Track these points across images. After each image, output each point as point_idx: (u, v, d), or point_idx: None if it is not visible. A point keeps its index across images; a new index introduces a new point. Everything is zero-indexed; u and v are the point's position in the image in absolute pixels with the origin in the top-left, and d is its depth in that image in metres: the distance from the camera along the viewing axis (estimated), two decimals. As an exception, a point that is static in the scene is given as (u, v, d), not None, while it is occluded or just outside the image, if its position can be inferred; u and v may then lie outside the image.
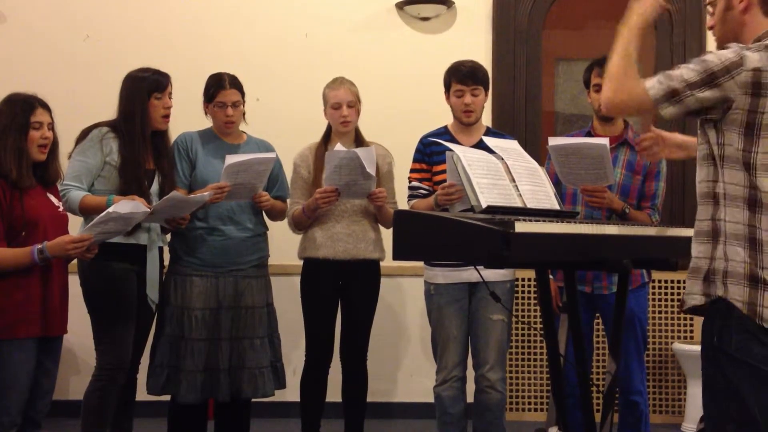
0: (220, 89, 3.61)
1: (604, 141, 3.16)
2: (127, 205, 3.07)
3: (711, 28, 2.21)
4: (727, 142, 2.02)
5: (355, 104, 3.73)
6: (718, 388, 2.02)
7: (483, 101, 3.58)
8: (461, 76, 3.50)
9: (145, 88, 3.45)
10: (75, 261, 3.28)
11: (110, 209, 3.02)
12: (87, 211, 3.34)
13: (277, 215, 3.80)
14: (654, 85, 2.05)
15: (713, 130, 2.05)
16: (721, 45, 2.16)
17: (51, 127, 3.20)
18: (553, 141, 3.20)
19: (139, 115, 3.44)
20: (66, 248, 3.02)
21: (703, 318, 2.10)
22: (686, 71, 2.03)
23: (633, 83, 2.09)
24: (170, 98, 3.53)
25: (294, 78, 4.89)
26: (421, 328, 4.75)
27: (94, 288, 3.41)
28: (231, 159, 3.43)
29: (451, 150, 2.73)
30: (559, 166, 3.22)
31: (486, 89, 3.58)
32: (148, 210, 3.18)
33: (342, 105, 3.68)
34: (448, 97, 3.58)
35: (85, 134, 3.45)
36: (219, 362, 3.56)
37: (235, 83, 3.65)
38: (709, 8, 2.21)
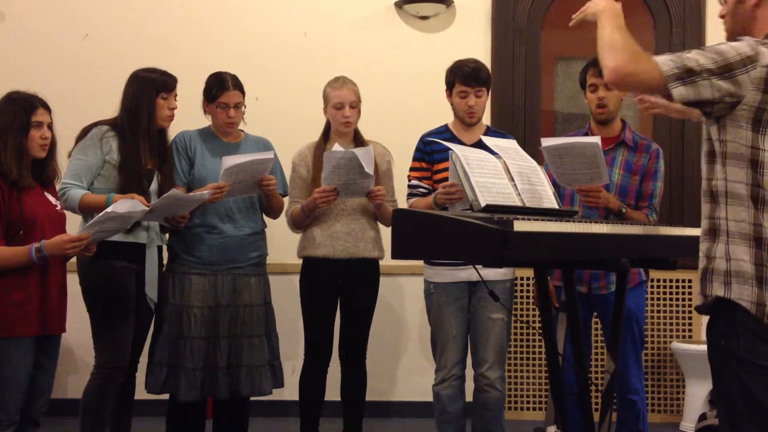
0: (223, 90, 3.61)
1: (596, 139, 3.16)
2: (125, 205, 3.07)
3: (722, 17, 2.18)
4: (731, 139, 1.99)
5: (356, 104, 3.73)
6: (732, 391, 1.99)
7: (485, 101, 3.59)
8: (465, 77, 3.49)
9: (153, 88, 3.45)
10: (74, 259, 3.29)
11: (109, 209, 3.01)
12: (87, 210, 3.34)
13: (274, 210, 3.80)
14: (665, 61, 1.96)
15: (715, 126, 2.01)
16: (731, 37, 2.13)
17: (50, 126, 3.20)
18: (546, 142, 3.20)
19: (146, 113, 3.44)
20: (64, 247, 3.02)
21: (706, 320, 2.08)
22: (701, 57, 1.95)
23: (641, 54, 1.99)
24: (175, 99, 3.54)
25: (293, 77, 4.89)
26: (420, 327, 4.76)
27: (93, 286, 3.41)
28: (228, 161, 3.43)
29: (451, 149, 2.73)
30: (554, 167, 3.22)
31: (488, 89, 3.59)
32: (147, 209, 3.18)
33: (345, 105, 3.68)
34: (449, 96, 3.58)
35: (85, 133, 3.45)
36: (217, 360, 3.56)
37: (237, 84, 3.65)
38: None
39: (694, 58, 1.95)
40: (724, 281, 1.99)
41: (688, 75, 1.94)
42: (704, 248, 2.05)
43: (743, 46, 1.97)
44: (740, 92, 1.95)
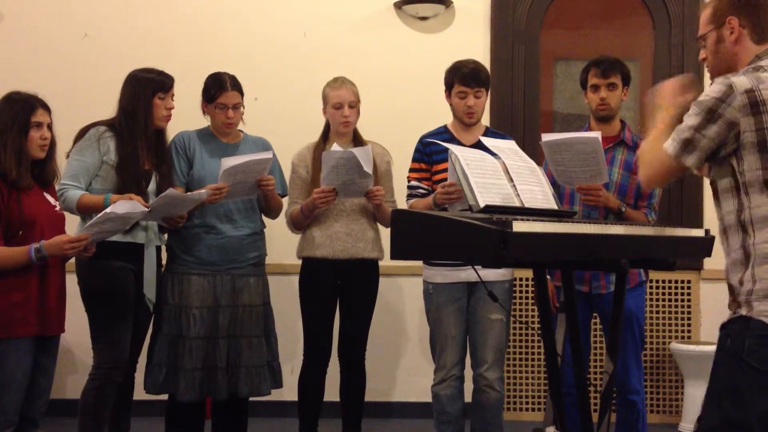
0: (222, 91, 3.60)
1: (596, 134, 3.16)
2: (124, 206, 3.07)
3: (704, 60, 2.28)
4: (747, 168, 2.08)
5: (356, 104, 3.73)
6: (723, 388, 2.04)
7: (484, 102, 3.59)
8: (464, 78, 3.49)
9: (150, 88, 3.45)
10: (73, 259, 3.28)
11: (108, 210, 3.01)
12: (85, 210, 3.34)
13: (273, 210, 3.80)
14: (669, 143, 2.15)
15: (735, 159, 2.10)
16: (714, 76, 2.24)
17: (50, 127, 3.20)
18: (546, 137, 3.20)
19: (143, 114, 3.44)
20: (63, 248, 3.02)
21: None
22: (689, 118, 2.12)
23: (655, 153, 2.20)
24: (172, 99, 3.54)
25: (292, 77, 4.89)
26: (420, 328, 4.76)
27: (91, 286, 3.41)
28: (227, 162, 3.43)
29: (450, 149, 2.73)
30: (554, 164, 3.22)
31: (487, 90, 3.59)
32: (146, 209, 3.18)
33: (344, 105, 3.68)
34: (448, 97, 3.58)
35: (82, 133, 3.45)
36: (217, 361, 3.56)
37: (236, 84, 3.65)
38: (701, 42, 2.27)
39: (685, 125, 2.12)
40: (746, 300, 2.06)
41: (687, 145, 2.11)
42: (738, 277, 2.10)
43: (716, 86, 2.10)
44: (735, 124, 2.05)
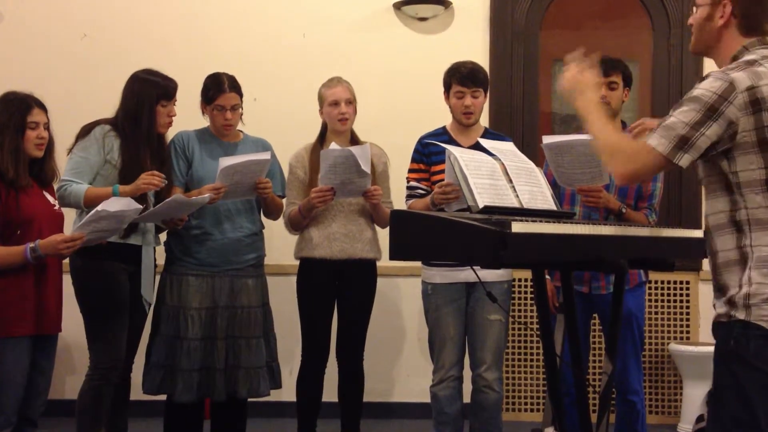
0: (220, 92, 3.60)
1: None
2: (117, 203, 3.06)
3: (690, 25, 2.21)
4: (741, 168, 2.02)
5: (352, 102, 3.73)
6: (730, 393, 2.01)
7: (482, 103, 3.58)
8: (462, 78, 3.50)
9: (154, 94, 3.43)
10: (68, 260, 3.28)
11: (99, 207, 3.00)
12: (93, 203, 3.24)
13: (273, 212, 3.80)
14: (659, 141, 2.03)
15: (725, 160, 2.03)
16: (695, 49, 2.20)
17: (47, 126, 3.19)
18: (547, 139, 3.20)
19: (146, 120, 3.42)
20: (58, 247, 3.01)
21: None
22: (684, 114, 2.01)
23: (636, 149, 2.09)
24: (174, 106, 3.52)
25: (292, 78, 4.89)
26: (418, 328, 4.75)
27: (87, 287, 3.40)
28: (225, 162, 3.43)
29: (448, 150, 2.73)
30: (555, 165, 3.22)
31: (486, 91, 3.59)
32: (140, 207, 3.17)
33: (340, 102, 3.68)
34: (447, 98, 3.58)
35: (86, 131, 3.43)
36: (215, 362, 3.55)
37: (234, 86, 3.64)
38: (694, 8, 2.21)
39: (679, 121, 2.01)
40: (744, 304, 2.02)
41: (684, 142, 2.00)
42: (735, 278, 2.06)
43: (715, 82, 2.00)
44: (734, 124, 1.98)
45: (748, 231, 2.04)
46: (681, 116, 2.02)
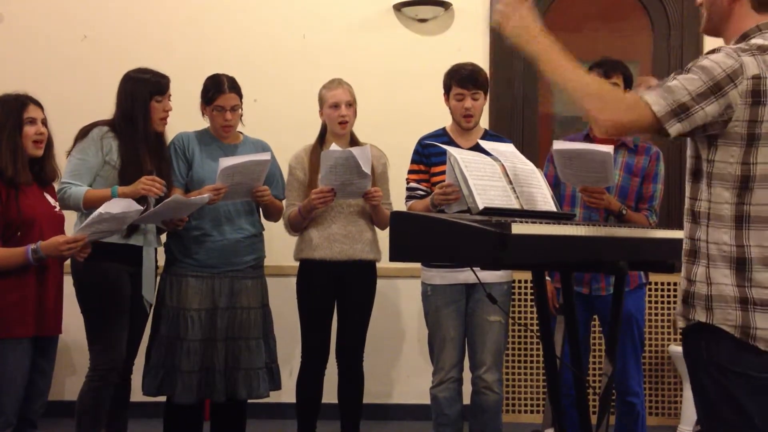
0: (220, 93, 3.60)
1: (609, 149, 3.16)
2: (119, 205, 3.06)
3: (700, 5, 2.08)
4: (719, 159, 1.90)
5: (352, 104, 3.73)
6: (714, 398, 1.94)
7: (482, 105, 3.59)
8: (462, 80, 3.50)
9: (146, 90, 3.44)
10: (69, 261, 3.28)
11: (101, 209, 3.00)
12: (92, 205, 3.27)
13: (273, 214, 3.80)
14: (657, 100, 1.86)
15: (706, 145, 1.92)
16: (706, 28, 2.07)
17: (45, 123, 3.19)
18: (558, 145, 3.21)
19: (141, 117, 3.43)
20: (60, 248, 3.01)
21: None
22: (689, 81, 1.86)
23: (627, 99, 1.91)
24: (169, 100, 3.53)
25: (292, 79, 4.89)
26: (418, 330, 4.75)
27: (87, 288, 3.41)
28: (225, 162, 3.43)
29: (448, 151, 2.73)
30: (562, 167, 3.23)
31: (485, 93, 3.59)
32: (141, 208, 3.17)
33: (341, 104, 3.68)
34: (447, 99, 3.58)
35: (84, 133, 3.44)
36: (215, 363, 3.55)
37: (234, 87, 3.64)
38: None
39: (682, 87, 1.86)
40: (706, 306, 1.92)
41: (682, 110, 1.85)
42: (685, 270, 1.98)
43: (726, 59, 1.87)
44: (731, 109, 1.87)
45: (705, 226, 1.93)
46: (685, 83, 1.86)
